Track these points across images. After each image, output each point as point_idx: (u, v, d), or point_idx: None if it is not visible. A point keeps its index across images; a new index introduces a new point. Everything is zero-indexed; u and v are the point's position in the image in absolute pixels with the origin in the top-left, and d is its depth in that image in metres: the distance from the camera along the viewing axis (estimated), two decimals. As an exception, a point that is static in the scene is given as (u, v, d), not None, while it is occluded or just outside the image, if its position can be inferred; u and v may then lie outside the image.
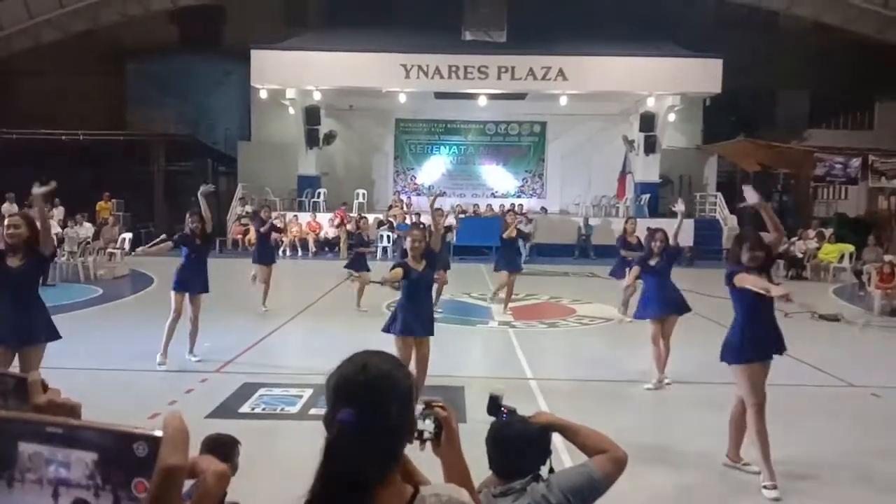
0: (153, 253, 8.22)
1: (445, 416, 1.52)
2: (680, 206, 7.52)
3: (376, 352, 1.41)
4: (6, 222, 4.99)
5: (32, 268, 4.82)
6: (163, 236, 7.76)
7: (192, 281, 7.39)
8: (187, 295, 7.38)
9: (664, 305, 6.82)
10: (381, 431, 1.26)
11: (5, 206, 17.26)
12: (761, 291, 4.37)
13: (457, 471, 1.53)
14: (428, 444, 1.52)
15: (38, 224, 4.78)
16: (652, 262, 6.93)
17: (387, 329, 5.68)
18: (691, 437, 5.48)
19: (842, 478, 4.72)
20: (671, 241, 7.01)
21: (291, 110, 22.30)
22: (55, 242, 5.01)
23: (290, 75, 20.71)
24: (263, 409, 5.93)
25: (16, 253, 4.72)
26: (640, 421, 6.00)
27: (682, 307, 6.92)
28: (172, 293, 7.38)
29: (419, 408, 1.46)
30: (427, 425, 1.51)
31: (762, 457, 4.45)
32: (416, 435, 1.42)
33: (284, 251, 19.82)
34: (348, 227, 18.69)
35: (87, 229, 16.04)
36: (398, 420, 1.30)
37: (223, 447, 2.96)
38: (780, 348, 4.62)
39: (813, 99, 26.03)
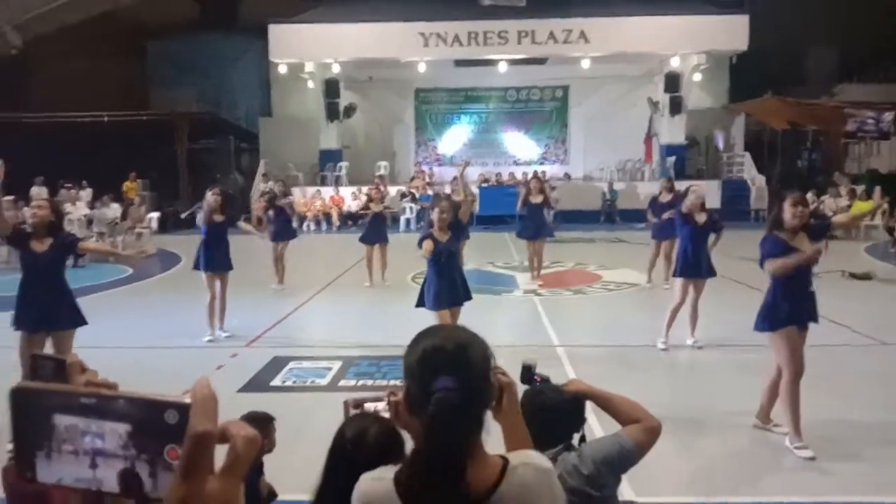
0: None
1: (507, 382, 1.52)
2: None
3: (450, 325, 1.46)
4: (33, 204, 5.10)
5: (58, 253, 4.89)
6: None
7: (216, 259, 7.45)
8: (226, 275, 7.51)
9: (700, 267, 6.73)
10: (474, 399, 1.28)
11: (34, 189, 17.56)
12: (799, 263, 4.29)
13: (518, 434, 1.55)
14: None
15: None
16: (700, 220, 6.82)
17: (420, 304, 5.73)
18: (721, 400, 5.45)
19: (875, 436, 4.67)
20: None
21: (311, 84, 22.25)
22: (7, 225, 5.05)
23: (309, 49, 20.63)
24: (294, 382, 6.01)
25: (40, 237, 4.80)
26: (669, 385, 5.98)
27: (712, 271, 6.85)
28: (203, 275, 7.46)
29: None
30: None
31: (792, 421, 4.40)
32: None
33: (308, 226, 19.96)
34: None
35: (114, 210, 16.27)
36: (484, 386, 1.34)
37: (257, 424, 3.02)
38: (813, 317, 4.52)
39: (842, 53, 25.29)
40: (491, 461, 1.30)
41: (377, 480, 1.33)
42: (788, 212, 4.40)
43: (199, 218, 7.63)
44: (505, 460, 1.31)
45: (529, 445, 1.55)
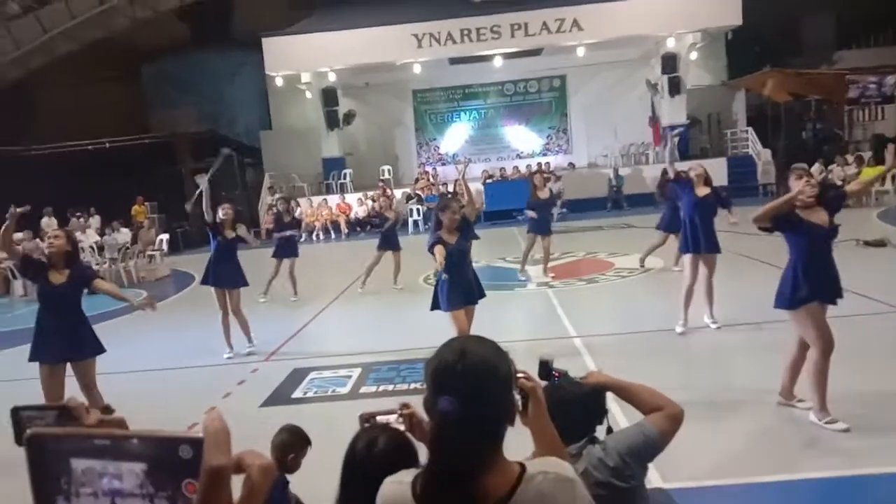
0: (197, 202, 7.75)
1: (532, 387, 1.51)
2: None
3: (474, 337, 1.44)
4: (48, 235, 5.13)
5: (76, 284, 4.92)
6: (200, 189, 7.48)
7: (224, 276, 7.42)
8: (236, 292, 7.47)
9: (699, 241, 6.68)
10: (483, 418, 1.27)
11: (44, 220, 17.70)
12: (791, 199, 4.31)
13: (546, 439, 1.54)
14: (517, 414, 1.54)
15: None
16: (700, 193, 6.81)
17: (435, 306, 5.73)
18: (743, 380, 5.42)
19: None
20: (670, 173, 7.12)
21: (308, 94, 22.31)
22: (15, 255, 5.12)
23: (303, 59, 20.68)
24: (315, 393, 6.03)
25: (58, 268, 4.83)
26: (689, 368, 5.96)
27: (715, 247, 6.78)
28: (212, 290, 7.47)
29: None
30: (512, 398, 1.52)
31: (820, 397, 4.37)
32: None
33: (317, 235, 20.01)
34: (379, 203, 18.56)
35: (124, 234, 16.37)
36: (499, 405, 1.32)
37: (293, 436, 3.04)
38: (836, 294, 4.46)
39: (839, 20, 25.05)
40: (508, 469, 1.29)
41: (397, 484, 1.35)
42: (794, 185, 4.42)
43: (186, 204, 7.31)
44: (523, 468, 1.29)
45: (559, 448, 1.54)
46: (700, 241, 6.67)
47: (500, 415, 1.33)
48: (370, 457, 1.75)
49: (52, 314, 4.84)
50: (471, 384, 1.28)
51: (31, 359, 4.84)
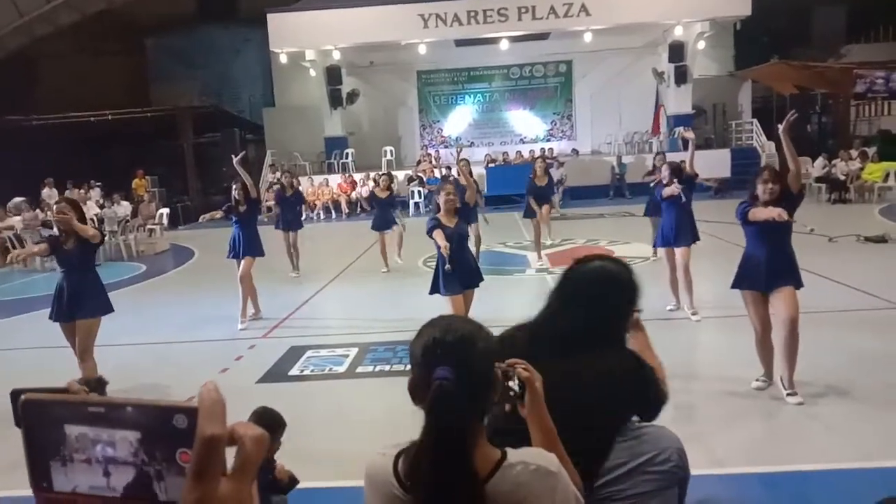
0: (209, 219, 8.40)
1: (528, 377, 1.50)
2: (689, 134, 7.96)
3: (455, 315, 1.47)
4: (54, 209, 5.40)
5: (84, 248, 5.25)
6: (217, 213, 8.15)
7: (240, 247, 7.72)
8: (246, 260, 7.70)
9: (672, 237, 6.95)
10: (472, 389, 1.29)
11: (45, 191, 17.68)
12: (776, 219, 4.40)
13: (542, 430, 1.52)
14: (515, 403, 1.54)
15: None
16: (665, 193, 6.98)
17: (434, 290, 5.73)
18: (741, 367, 5.43)
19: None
20: (689, 169, 7.20)
21: (312, 72, 22.17)
22: (92, 230, 5.42)
23: (308, 36, 20.52)
24: (312, 371, 6.04)
25: (69, 236, 5.16)
26: (688, 354, 5.96)
27: (683, 239, 6.91)
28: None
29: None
30: (510, 386, 1.51)
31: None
32: (500, 396, 1.45)
33: (318, 214, 19.99)
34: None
35: (124, 208, 16.33)
36: (483, 378, 1.34)
37: (265, 428, 2.95)
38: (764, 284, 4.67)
39: (849, 13, 24.87)
40: (489, 454, 1.28)
41: (380, 455, 1.36)
42: (759, 188, 4.62)
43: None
44: (503, 456, 1.28)
45: (555, 441, 1.51)
46: (670, 236, 6.95)
47: (487, 387, 1.35)
48: None
49: (66, 276, 5.26)
50: (462, 353, 1.31)
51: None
